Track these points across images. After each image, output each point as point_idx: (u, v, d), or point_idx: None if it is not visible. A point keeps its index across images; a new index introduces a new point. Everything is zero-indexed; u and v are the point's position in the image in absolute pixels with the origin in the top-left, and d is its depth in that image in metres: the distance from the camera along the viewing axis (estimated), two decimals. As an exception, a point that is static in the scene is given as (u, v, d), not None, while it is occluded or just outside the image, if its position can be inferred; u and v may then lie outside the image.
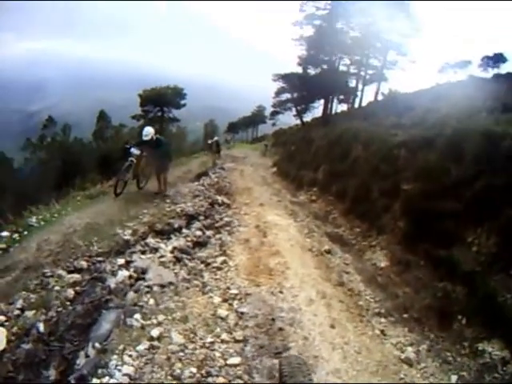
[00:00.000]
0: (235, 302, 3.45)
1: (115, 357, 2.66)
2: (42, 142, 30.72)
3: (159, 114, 35.13)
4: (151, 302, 3.49)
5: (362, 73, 24.03)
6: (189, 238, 5.12)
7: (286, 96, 25.67)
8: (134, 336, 2.92)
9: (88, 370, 2.60)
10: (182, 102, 35.12)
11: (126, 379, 2.40)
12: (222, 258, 4.41)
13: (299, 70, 24.23)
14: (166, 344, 2.82)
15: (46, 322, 3.15)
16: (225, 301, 3.48)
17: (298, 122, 26.49)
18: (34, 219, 6.33)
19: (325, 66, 23.30)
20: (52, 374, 2.67)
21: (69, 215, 5.90)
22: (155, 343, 2.80)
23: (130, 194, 7.15)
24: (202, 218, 6.09)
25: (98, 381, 2.42)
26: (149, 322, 3.12)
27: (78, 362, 2.73)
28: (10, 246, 4.84)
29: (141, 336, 2.91)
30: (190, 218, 6.01)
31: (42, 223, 5.97)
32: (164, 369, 2.53)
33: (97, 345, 2.86)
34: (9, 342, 2.84)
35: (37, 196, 11.41)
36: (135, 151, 6.90)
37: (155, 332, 2.91)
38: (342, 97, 25.36)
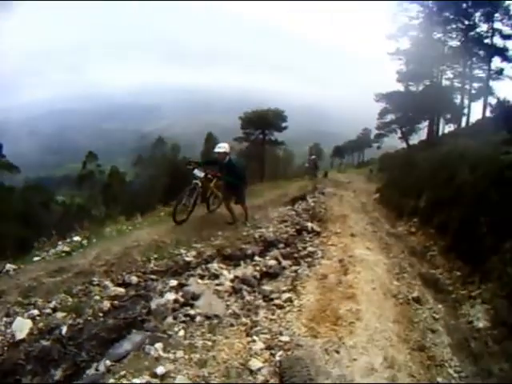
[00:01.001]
0: (279, 352, 3.37)
1: (112, 380, 3.01)
2: (152, 160, 40.11)
3: (261, 136, 41.52)
4: (181, 333, 3.73)
5: (467, 86, 26.94)
6: (258, 267, 5.48)
7: (390, 117, 28.94)
8: (141, 365, 3.20)
9: (86, 382, 3.09)
10: (284, 124, 41.10)
11: None
12: (287, 295, 4.54)
13: (401, 87, 27.78)
14: None
15: (71, 326, 3.83)
16: (268, 348, 3.46)
17: (405, 144, 29.43)
18: (108, 229, 7.49)
19: (427, 82, 26.52)
20: (58, 374, 3.24)
21: (141, 229, 6.88)
22: (154, 381, 2.98)
23: (212, 215, 8.31)
24: (281, 245, 6.56)
25: None
26: (165, 355, 3.33)
27: (87, 372, 3.26)
28: (74, 250, 6.21)
29: (147, 368, 3.15)
30: (268, 245, 6.51)
31: (114, 234, 7.27)
32: None
33: (108, 362, 3.29)
34: (30, 334, 3.64)
35: (143, 207, 14.04)
36: (198, 173, 7.65)
37: (161, 369, 3.09)
38: (448, 116, 28.03)
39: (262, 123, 40.69)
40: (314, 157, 24.00)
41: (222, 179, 7.92)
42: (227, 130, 45.73)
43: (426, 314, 4.42)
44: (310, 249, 6.37)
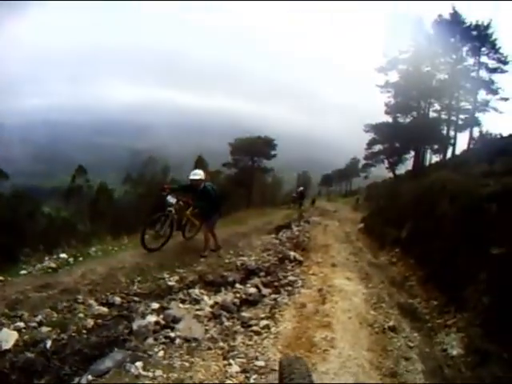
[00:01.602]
0: (254, 375, 3.57)
1: None
2: (142, 178, 40.63)
3: (250, 163, 43.56)
4: (161, 353, 3.91)
5: (454, 118, 28.28)
6: (238, 295, 5.66)
7: (378, 147, 30.38)
8: (122, 381, 3.39)
9: None
10: (273, 152, 43.76)
11: None
12: (265, 322, 4.72)
13: (389, 118, 29.14)
14: None
15: (56, 341, 4.04)
16: (243, 372, 3.64)
17: (392, 174, 30.58)
18: (93, 249, 7.73)
19: (414, 113, 27.85)
20: None
21: (126, 251, 7.11)
22: None
23: (195, 241, 8.52)
24: (262, 274, 6.80)
25: None
26: (145, 374, 3.52)
27: None
28: (61, 268, 6.47)
29: None
30: (250, 273, 6.77)
31: (100, 254, 7.47)
32: None
33: (89, 377, 3.49)
34: (16, 345, 3.86)
35: (129, 226, 14.24)
36: (171, 199, 7.65)
37: None
38: (435, 147, 29.33)
39: (252, 150, 42.60)
40: (301, 188, 24.96)
41: (194, 206, 8.05)
42: (217, 155, 47.21)
43: (400, 343, 4.52)
44: (291, 278, 6.60)
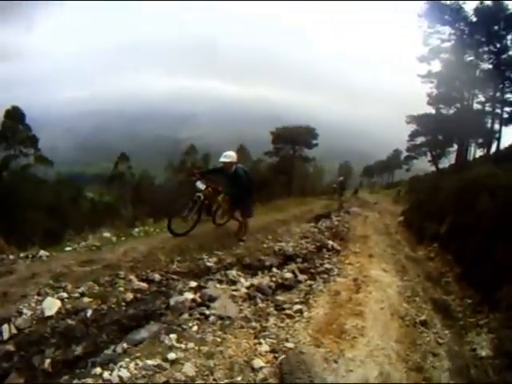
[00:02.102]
0: (282, 356, 3.66)
1: (127, 359, 3.45)
2: (183, 166, 42.21)
3: (291, 151, 44.65)
4: (194, 328, 4.14)
5: (498, 110, 27.12)
6: (274, 279, 5.80)
7: (420, 139, 30.21)
8: (155, 351, 3.64)
9: (102, 359, 3.56)
10: (314, 141, 44.73)
11: (117, 379, 3.15)
12: (298, 307, 4.82)
13: (432, 109, 28.70)
14: (175, 370, 3.34)
15: (96, 311, 4.41)
16: (272, 352, 3.77)
17: (434, 168, 30.33)
18: (136, 230, 8.08)
19: (458, 105, 27.18)
20: (78, 350, 3.79)
21: (167, 233, 7.65)
22: (165, 365, 3.39)
23: (235, 225, 8.64)
24: (300, 260, 6.89)
25: (100, 370, 3.30)
26: (177, 345, 3.75)
27: (105, 351, 3.75)
28: (104, 245, 6.98)
29: (160, 353, 3.58)
30: (287, 259, 6.88)
31: (142, 234, 7.77)
32: None
33: (125, 345, 3.80)
34: (58, 313, 4.26)
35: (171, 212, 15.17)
36: (200, 185, 7.58)
37: (172, 356, 3.51)
38: (480, 140, 28.64)
39: (293, 139, 43.59)
40: (341, 178, 24.60)
41: (225, 193, 7.92)
42: (258, 143, 48.77)
43: (430, 338, 4.50)
44: (327, 266, 6.69)
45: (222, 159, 7.60)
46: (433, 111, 28.92)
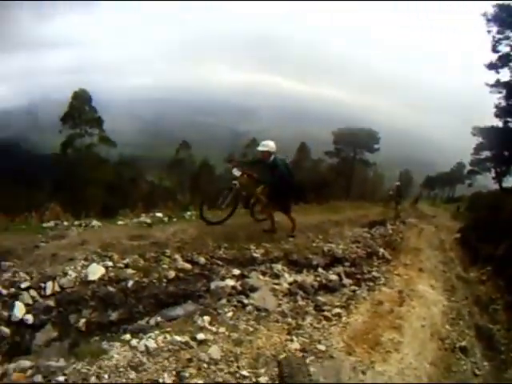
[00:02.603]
0: (311, 357, 3.63)
1: (157, 332, 3.64)
2: (244, 159, 40.75)
3: (352, 154, 44.60)
4: (229, 314, 4.25)
5: None
6: (318, 278, 5.86)
7: (485, 154, 28.74)
8: (186, 329, 3.80)
9: (134, 328, 3.83)
10: (376, 145, 44.74)
11: (143, 348, 3.32)
12: (338, 310, 4.81)
13: (499, 122, 26.19)
14: (201, 350, 3.44)
15: (137, 282, 4.69)
16: (302, 351, 3.74)
17: (498, 186, 28.09)
18: (188, 213, 8.36)
19: None
20: (114, 316, 4.11)
21: None
22: (192, 343, 3.51)
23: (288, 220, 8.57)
24: (347, 264, 6.91)
25: (129, 337, 3.51)
26: (209, 327, 3.87)
27: (139, 321, 4.05)
28: (155, 224, 7.29)
29: (190, 332, 3.72)
30: (334, 261, 6.91)
31: (193, 218, 8.12)
32: (176, 364, 3.19)
33: (159, 319, 4.07)
34: (101, 279, 4.59)
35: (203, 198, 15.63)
36: (236, 172, 7.40)
37: (201, 336, 3.63)
38: None
39: (355, 141, 43.62)
40: (397, 183, 23.47)
41: (262, 182, 7.54)
42: (319, 142, 49.24)
43: (467, 367, 4.32)
44: (375, 274, 6.64)
45: (260, 148, 7.39)
46: (500, 124, 26.32)
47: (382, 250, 8.14)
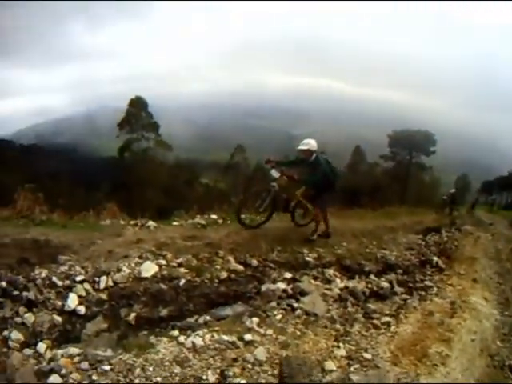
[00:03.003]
0: (356, 365, 3.59)
1: (205, 330, 3.75)
2: None
3: (407, 157, 43.75)
4: (278, 317, 4.29)
5: None
6: (370, 285, 5.82)
7: None
8: (234, 329, 3.87)
9: (183, 325, 3.95)
10: (432, 148, 43.54)
11: (190, 344, 3.43)
12: (387, 319, 4.73)
13: None
14: (247, 351, 3.49)
15: (189, 281, 4.84)
16: (348, 358, 3.70)
17: None
18: (243, 216, 8.54)
19: None
20: (163, 312, 4.29)
21: (273, 223, 7.72)
22: (239, 343, 3.58)
23: (342, 225, 8.61)
24: (400, 271, 6.83)
25: (177, 333, 3.67)
26: (257, 329, 3.92)
27: (188, 319, 4.17)
28: (209, 225, 7.45)
29: (237, 332, 3.79)
30: (387, 268, 6.85)
31: (247, 221, 8.08)
32: (221, 363, 3.25)
33: (208, 317, 4.19)
34: (154, 276, 4.76)
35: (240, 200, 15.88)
36: (274, 174, 7.01)
37: (248, 337, 3.68)
38: None
39: (410, 144, 42.85)
40: (453, 190, 23.02)
41: (303, 183, 7.16)
42: (374, 146, 48.97)
43: None
44: (427, 283, 6.49)
45: (301, 147, 7.05)
46: None
47: (435, 259, 7.91)
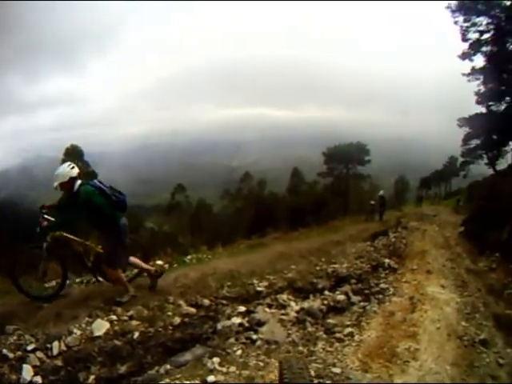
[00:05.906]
0: (328, 381, 3.60)
1: (167, 380, 3.64)
2: (239, 193, 44.82)
3: (344, 170, 46.06)
4: (238, 352, 4.21)
5: None
6: (326, 301, 5.85)
7: (474, 142, 29.02)
8: (196, 373, 3.76)
9: (145, 378, 3.83)
10: (367, 157, 45.92)
11: None
12: (349, 330, 4.80)
13: (482, 109, 26.82)
14: None
15: (143, 333, 4.64)
16: (317, 377, 3.67)
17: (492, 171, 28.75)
18: (189, 257, 8.37)
19: (508, 99, 25.06)
20: (123, 369, 4.07)
21: (220, 259, 7.64)
22: None
23: (289, 248, 8.94)
24: (353, 281, 6.98)
25: None
26: (219, 368, 3.83)
27: (148, 372, 4.00)
28: None
29: (200, 375, 3.69)
30: (340, 280, 6.98)
31: (194, 261, 8.02)
32: None
33: (168, 366, 4.01)
34: (106, 334, 4.55)
35: (227, 238, 15.04)
36: (46, 223, 5.34)
37: (211, 378, 3.59)
38: None
39: (345, 158, 45.26)
40: (381, 192, 23.32)
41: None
42: (311, 165, 51.55)
43: (490, 359, 4.27)
44: (383, 285, 6.65)
45: (55, 184, 5.10)
46: (483, 110, 26.76)
47: (387, 260, 8.25)
